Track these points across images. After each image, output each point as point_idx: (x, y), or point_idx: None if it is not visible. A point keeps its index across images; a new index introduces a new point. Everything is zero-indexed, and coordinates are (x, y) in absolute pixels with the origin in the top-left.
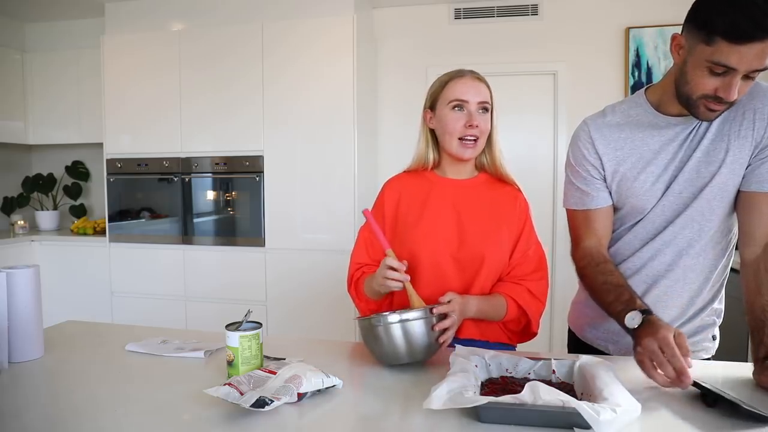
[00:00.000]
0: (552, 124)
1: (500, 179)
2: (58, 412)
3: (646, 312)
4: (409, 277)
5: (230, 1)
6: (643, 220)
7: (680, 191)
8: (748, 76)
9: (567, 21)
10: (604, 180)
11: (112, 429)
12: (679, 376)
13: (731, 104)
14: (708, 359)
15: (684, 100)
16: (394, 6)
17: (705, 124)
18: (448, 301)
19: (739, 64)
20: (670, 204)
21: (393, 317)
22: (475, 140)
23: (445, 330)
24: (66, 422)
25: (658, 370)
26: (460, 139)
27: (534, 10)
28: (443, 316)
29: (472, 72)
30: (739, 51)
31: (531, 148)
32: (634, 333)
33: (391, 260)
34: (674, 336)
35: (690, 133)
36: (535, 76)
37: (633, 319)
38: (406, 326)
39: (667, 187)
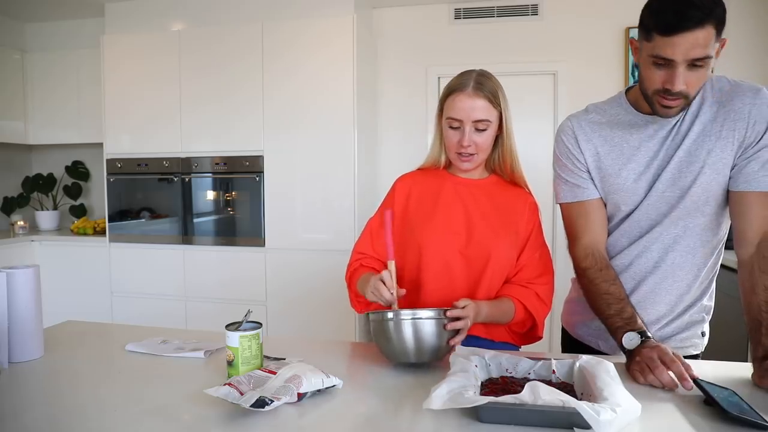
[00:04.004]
0: (552, 124)
1: (511, 181)
2: (58, 412)
3: (644, 334)
4: (395, 303)
5: (230, 0)
6: (629, 219)
7: (663, 190)
8: (694, 65)
9: (567, 21)
10: (589, 173)
11: (112, 429)
12: (680, 380)
13: (688, 99)
14: (697, 355)
15: (646, 98)
16: (394, 6)
17: (686, 123)
18: (463, 307)
19: (675, 54)
20: (654, 203)
21: (406, 314)
22: (470, 155)
23: (456, 332)
24: (66, 422)
25: (655, 375)
26: (458, 153)
27: (534, 10)
28: (455, 318)
29: (475, 82)
30: (672, 42)
31: (531, 148)
32: (629, 351)
33: (387, 276)
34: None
35: (670, 132)
36: (535, 76)
37: (632, 340)
38: (417, 324)
39: (651, 187)
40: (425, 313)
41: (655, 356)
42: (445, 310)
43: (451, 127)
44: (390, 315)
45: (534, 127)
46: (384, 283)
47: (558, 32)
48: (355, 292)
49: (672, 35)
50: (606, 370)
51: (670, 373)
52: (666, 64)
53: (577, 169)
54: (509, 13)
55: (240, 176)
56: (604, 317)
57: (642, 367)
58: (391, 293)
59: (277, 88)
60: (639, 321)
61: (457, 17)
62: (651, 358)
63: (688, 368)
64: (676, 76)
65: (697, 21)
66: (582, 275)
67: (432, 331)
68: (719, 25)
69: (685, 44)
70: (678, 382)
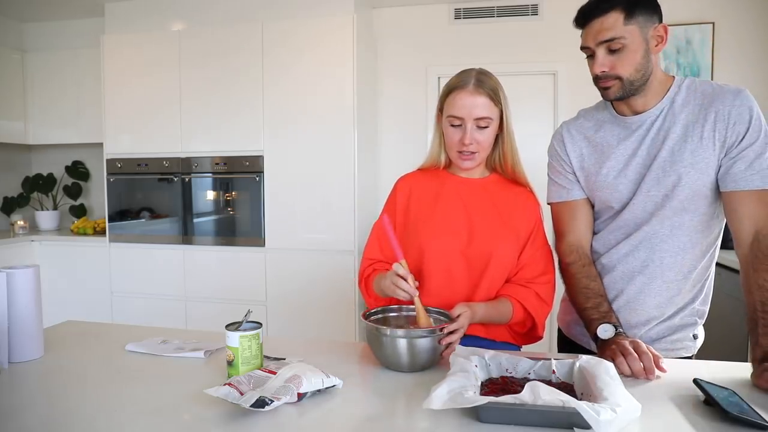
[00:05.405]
0: (552, 125)
1: (512, 180)
2: (57, 412)
3: (618, 327)
4: (417, 293)
5: (230, 0)
6: (618, 218)
7: (648, 190)
8: (611, 50)
9: (567, 21)
10: (575, 174)
11: (112, 429)
12: (646, 372)
13: (623, 80)
14: (689, 357)
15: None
16: (394, 6)
17: (667, 124)
18: (458, 315)
19: (588, 41)
20: (641, 203)
21: (400, 332)
22: (472, 153)
23: (449, 344)
24: (65, 422)
25: (626, 364)
26: (459, 151)
27: (534, 10)
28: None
29: (476, 80)
30: (586, 32)
31: (530, 148)
32: (602, 342)
33: (400, 268)
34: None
35: (649, 130)
36: (535, 76)
37: (606, 331)
38: (412, 342)
39: (637, 186)
40: (420, 332)
41: (629, 345)
42: (441, 327)
43: (452, 125)
44: (385, 331)
45: (534, 127)
46: (400, 276)
47: (558, 32)
48: (375, 297)
49: (585, 26)
50: (606, 370)
51: (641, 363)
52: (590, 53)
53: (564, 171)
54: (509, 13)
55: (240, 176)
56: (581, 309)
57: (615, 352)
58: (409, 283)
59: (277, 88)
60: (614, 317)
61: (457, 17)
62: (625, 346)
63: (657, 361)
64: (595, 60)
65: (602, 10)
66: (565, 270)
67: (426, 346)
68: (628, 8)
69: (592, 31)
70: (644, 374)
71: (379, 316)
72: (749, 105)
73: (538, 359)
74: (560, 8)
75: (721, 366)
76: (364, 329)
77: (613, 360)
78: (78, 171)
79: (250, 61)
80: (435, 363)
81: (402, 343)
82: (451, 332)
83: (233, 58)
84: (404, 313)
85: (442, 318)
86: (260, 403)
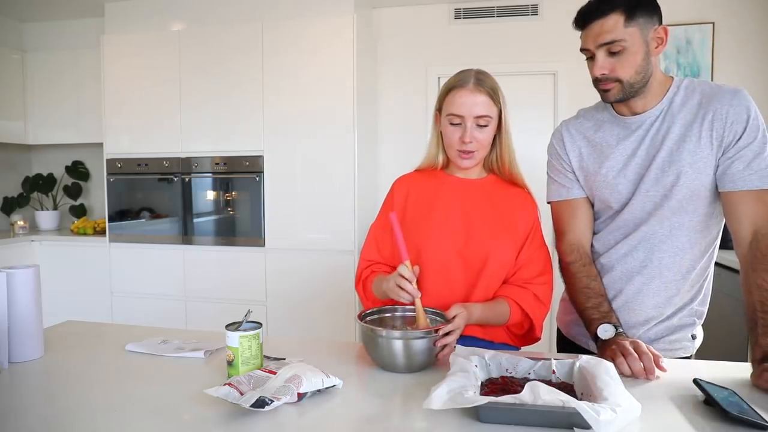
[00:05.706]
0: (552, 124)
1: (510, 181)
2: (57, 412)
3: (618, 327)
4: (420, 294)
5: (230, 0)
6: (617, 218)
7: (647, 190)
8: (612, 52)
9: (567, 21)
10: (574, 173)
11: (113, 429)
12: (646, 373)
13: (623, 83)
14: (688, 357)
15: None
16: (394, 6)
17: (666, 124)
18: (454, 316)
19: (588, 43)
20: (640, 203)
21: (396, 334)
22: (471, 152)
23: (444, 345)
24: (65, 422)
25: (627, 365)
26: (459, 150)
27: (534, 10)
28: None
29: (476, 79)
30: (586, 34)
31: (530, 148)
32: (602, 342)
33: (405, 270)
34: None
35: (648, 131)
36: (535, 76)
37: (607, 331)
38: (408, 343)
39: (636, 186)
40: (416, 333)
41: (629, 345)
42: (437, 328)
43: (452, 124)
44: (380, 332)
45: (534, 127)
46: (404, 277)
47: (558, 32)
48: (372, 299)
49: (584, 28)
50: (606, 370)
51: (641, 363)
52: (590, 55)
53: (564, 169)
54: (509, 13)
55: (240, 176)
56: (581, 309)
57: (615, 352)
58: (413, 285)
59: (277, 88)
60: (615, 317)
61: (457, 17)
62: (625, 346)
63: (658, 361)
64: (594, 62)
65: (601, 12)
66: (566, 269)
67: (422, 348)
68: (629, 10)
69: (592, 33)
70: (645, 374)
71: (375, 316)
72: (746, 105)
73: (538, 359)
74: (560, 8)
75: (721, 366)
76: (360, 331)
77: (613, 360)
78: (78, 171)
79: (250, 61)
80: (431, 364)
81: (398, 345)
82: (447, 333)
83: (233, 58)
84: (399, 314)
85: (438, 319)
86: (260, 403)
